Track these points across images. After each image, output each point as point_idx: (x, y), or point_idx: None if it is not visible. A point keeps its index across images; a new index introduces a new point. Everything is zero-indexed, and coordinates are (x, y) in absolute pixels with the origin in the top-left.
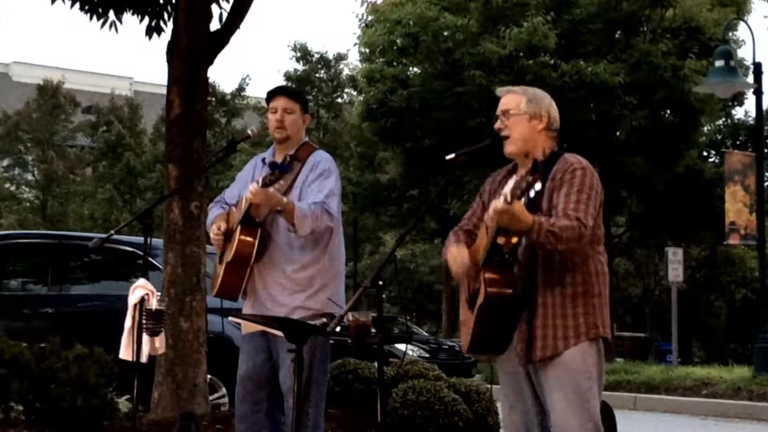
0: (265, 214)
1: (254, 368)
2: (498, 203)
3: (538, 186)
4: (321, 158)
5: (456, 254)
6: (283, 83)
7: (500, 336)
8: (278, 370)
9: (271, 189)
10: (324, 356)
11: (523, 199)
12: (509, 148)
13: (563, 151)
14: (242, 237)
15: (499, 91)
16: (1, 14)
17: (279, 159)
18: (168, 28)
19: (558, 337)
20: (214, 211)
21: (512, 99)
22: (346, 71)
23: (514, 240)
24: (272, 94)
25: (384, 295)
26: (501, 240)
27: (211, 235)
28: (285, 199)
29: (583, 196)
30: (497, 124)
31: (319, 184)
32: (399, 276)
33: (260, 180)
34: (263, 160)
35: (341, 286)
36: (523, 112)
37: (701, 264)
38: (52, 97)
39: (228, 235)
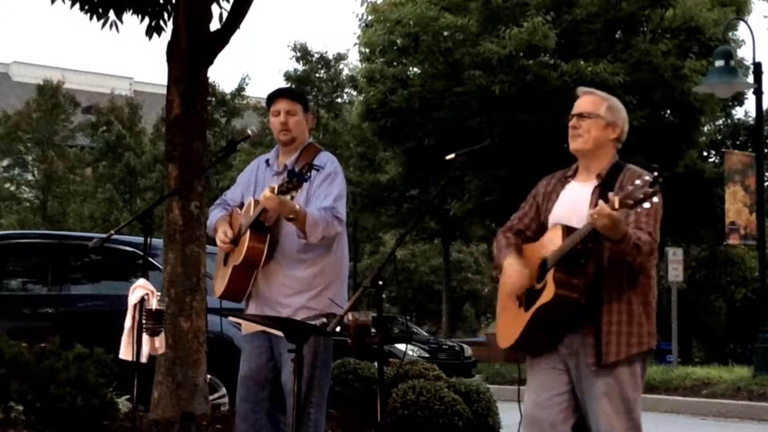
0: (275, 218)
1: (256, 368)
2: (606, 208)
3: (656, 199)
4: (326, 160)
5: (518, 270)
6: (284, 83)
7: (551, 338)
8: (280, 370)
9: (287, 197)
10: (326, 357)
11: (586, 198)
12: (578, 144)
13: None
14: (252, 242)
15: (580, 90)
16: (1, 14)
17: (284, 161)
18: (168, 28)
19: (622, 344)
20: (216, 213)
21: (592, 102)
22: (346, 71)
23: (591, 246)
24: (273, 97)
25: (384, 295)
26: (579, 245)
27: (218, 242)
28: (297, 206)
29: (651, 210)
30: (572, 123)
31: (326, 188)
32: (399, 276)
33: (276, 187)
34: (267, 161)
35: (345, 285)
36: (601, 117)
37: (701, 264)
38: (52, 97)
39: (234, 239)
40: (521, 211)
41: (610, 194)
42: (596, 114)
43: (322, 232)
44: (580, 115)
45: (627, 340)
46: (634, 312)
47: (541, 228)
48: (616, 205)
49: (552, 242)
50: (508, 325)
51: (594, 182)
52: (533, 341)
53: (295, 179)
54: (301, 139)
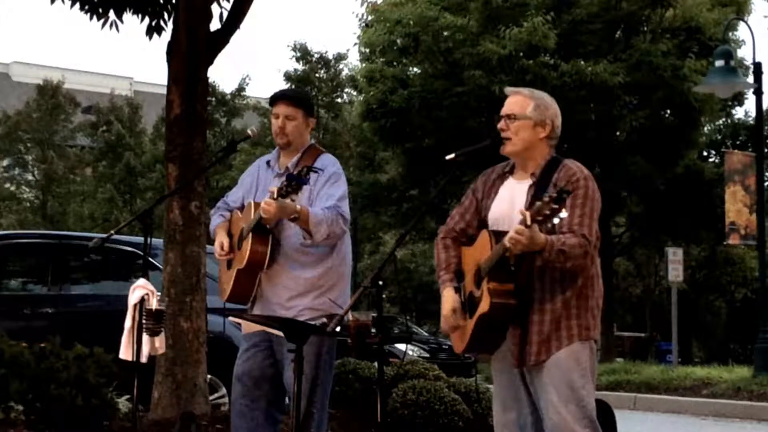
0: (275, 220)
1: (253, 366)
2: (519, 228)
3: (563, 214)
4: (328, 162)
5: (449, 304)
6: (284, 83)
7: (497, 338)
8: (282, 370)
9: (288, 200)
10: (330, 357)
11: (521, 199)
12: (508, 149)
13: (562, 154)
14: (255, 245)
15: (508, 90)
16: (1, 14)
17: (285, 162)
18: (168, 28)
19: (552, 340)
20: (214, 221)
21: (519, 102)
22: (346, 71)
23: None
24: (274, 100)
25: (384, 295)
26: (507, 253)
27: (216, 254)
28: (299, 206)
29: (586, 209)
30: (500, 125)
31: (329, 189)
32: (399, 276)
33: (275, 191)
34: (268, 162)
35: (348, 286)
36: (528, 117)
37: (701, 264)
38: (52, 97)
39: (232, 246)
40: (461, 207)
41: (522, 209)
42: (523, 115)
43: (327, 230)
44: (508, 117)
45: (557, 336)
46: (563, 309)
47: (483, 224)
48: (528, 222)
49: (483, 248)
50: (459, 332)
51: (529, 181)
52: (482, 345)
53: (294, 182)
54: (298, 143)
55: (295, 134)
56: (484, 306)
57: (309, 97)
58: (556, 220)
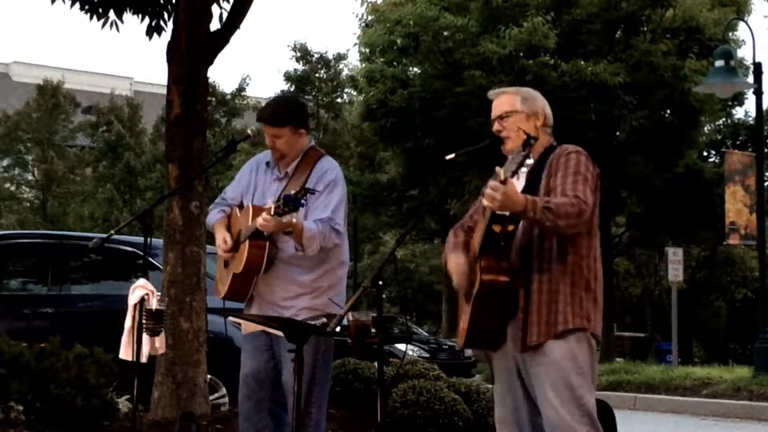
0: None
1: (258, 367)
2: (492, 183)
3: (530, 161)
4: (327, 168)
5: (457, 264)
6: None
7: (496, 327)
8: (281, 369)
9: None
10: (327, 357)
11: (520, 183)
12: (509, 146)
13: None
14: (252, 250)
15: (491, 93)
16: (1, 14)
17: (285, 166)
18: (168, 28)
19: (550, 323)
20: (213, 215)
21: (507, 100)
22: (346, 71)
23: (510, 228)
24: (258, 120)
25: (384, 295)
26: (497, 228)
27: (218, 250)
28: (294, 220)
29: (579, 176)
30: (495, 127)
31: (325, 198)
32: (399, 276)
33: (272, 208)
34: (267, 163)
35: (344, 288)
36: (520, 111)
37: (701, 264)
38: (52, 97)
39: (234, 244)
40: (473, 209)
41: (497, 168)
42: (514, 110)
43: (319, 244)
44: (500, 117)
45: (554, 319)
46: (560, 292)
47: None
48: (502, 177)
49: (480, 231)
50: (462, 322)
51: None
52: (480, 334)
53: (291, 204)
54: (294, 152)
55: (287, 148)
56: (476, 284)
57: (294, 109)
58: (524, 169)
